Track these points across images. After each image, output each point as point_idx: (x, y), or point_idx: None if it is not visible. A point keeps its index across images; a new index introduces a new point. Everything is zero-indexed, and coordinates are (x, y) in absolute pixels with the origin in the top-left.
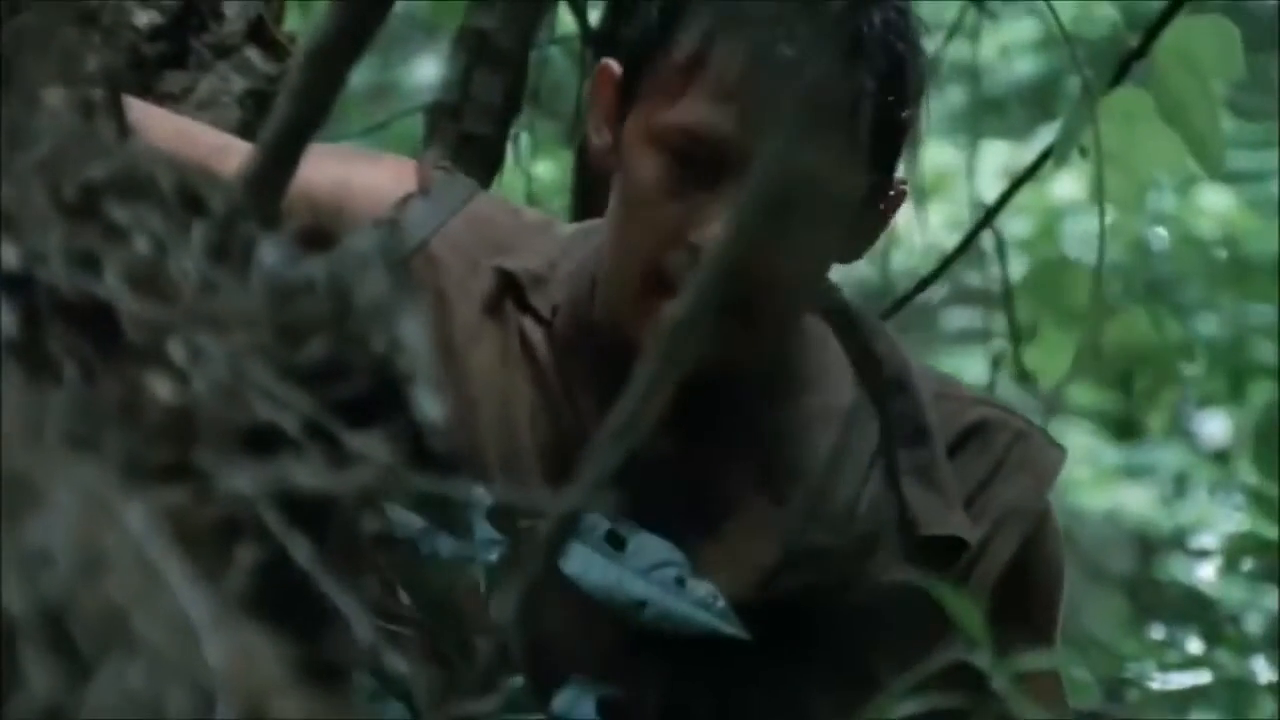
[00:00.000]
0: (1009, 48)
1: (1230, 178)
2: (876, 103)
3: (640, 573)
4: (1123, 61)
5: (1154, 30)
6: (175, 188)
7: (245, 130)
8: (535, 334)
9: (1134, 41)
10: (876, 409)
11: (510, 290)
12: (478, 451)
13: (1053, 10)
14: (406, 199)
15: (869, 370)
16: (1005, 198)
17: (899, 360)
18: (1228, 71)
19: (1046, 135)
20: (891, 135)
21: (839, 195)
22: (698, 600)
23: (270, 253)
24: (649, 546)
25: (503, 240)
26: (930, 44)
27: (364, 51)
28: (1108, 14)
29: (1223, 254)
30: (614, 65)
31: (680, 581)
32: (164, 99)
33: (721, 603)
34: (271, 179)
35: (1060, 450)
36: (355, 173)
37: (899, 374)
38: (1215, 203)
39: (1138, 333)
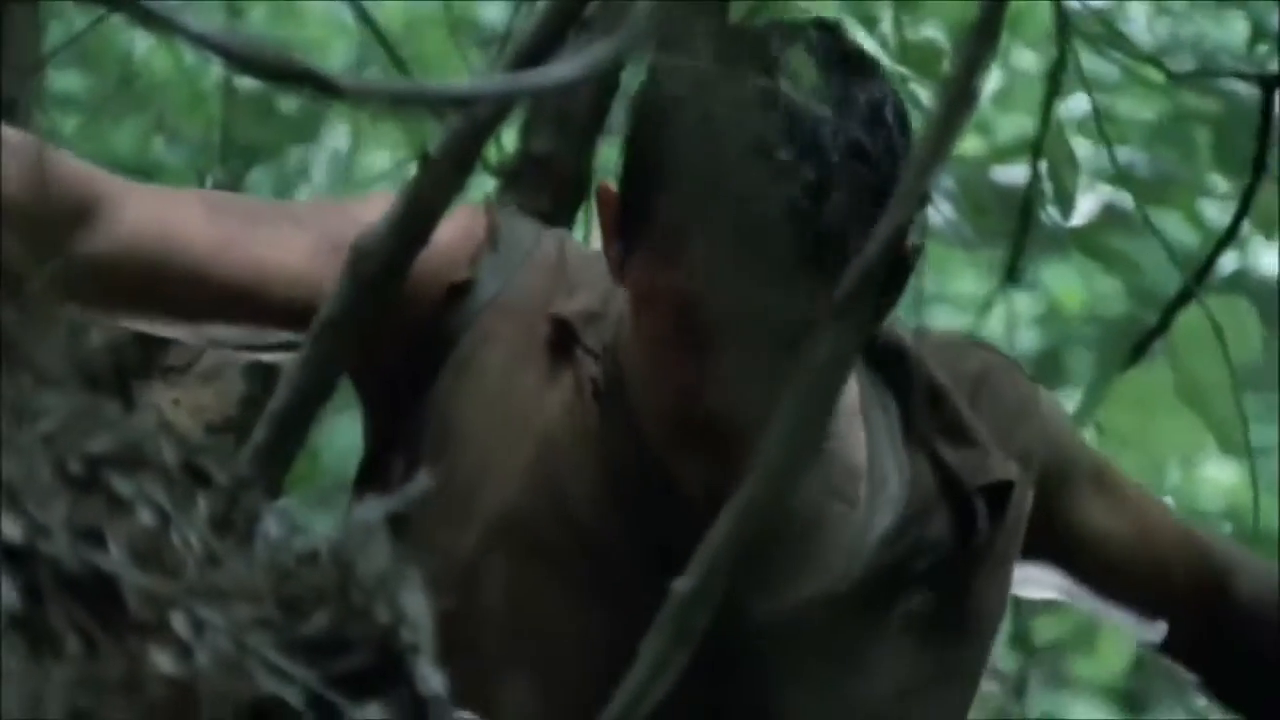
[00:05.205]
0: (1015, 319)
1: (1234, 450)
2: (861, 230)
3: None
4: (1140, 341)
5: (1171, 309)
6: (179, 460)
7: (250, 404)
8: (593, 370)
9: (1150, 320)
10: (890, 385)
11: (568, 333)
12: (560, 505)
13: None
14: (477, 255)
15: (869, 347)
16: None
17: (889, 330)
18: (1245, 352)
19: None
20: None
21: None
22: None
23: (274, 524)
24: None
25: (571, 278)
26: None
27: (371, 326)
28: (1111, 288)
29: (1228, 527)
30: (611, 187)
31: None
32: (168, 371)
33: None
34: (279, 451)
35: (1031, 381)
36: None
37: (894, 342)
38: (1220, 475)
39: None
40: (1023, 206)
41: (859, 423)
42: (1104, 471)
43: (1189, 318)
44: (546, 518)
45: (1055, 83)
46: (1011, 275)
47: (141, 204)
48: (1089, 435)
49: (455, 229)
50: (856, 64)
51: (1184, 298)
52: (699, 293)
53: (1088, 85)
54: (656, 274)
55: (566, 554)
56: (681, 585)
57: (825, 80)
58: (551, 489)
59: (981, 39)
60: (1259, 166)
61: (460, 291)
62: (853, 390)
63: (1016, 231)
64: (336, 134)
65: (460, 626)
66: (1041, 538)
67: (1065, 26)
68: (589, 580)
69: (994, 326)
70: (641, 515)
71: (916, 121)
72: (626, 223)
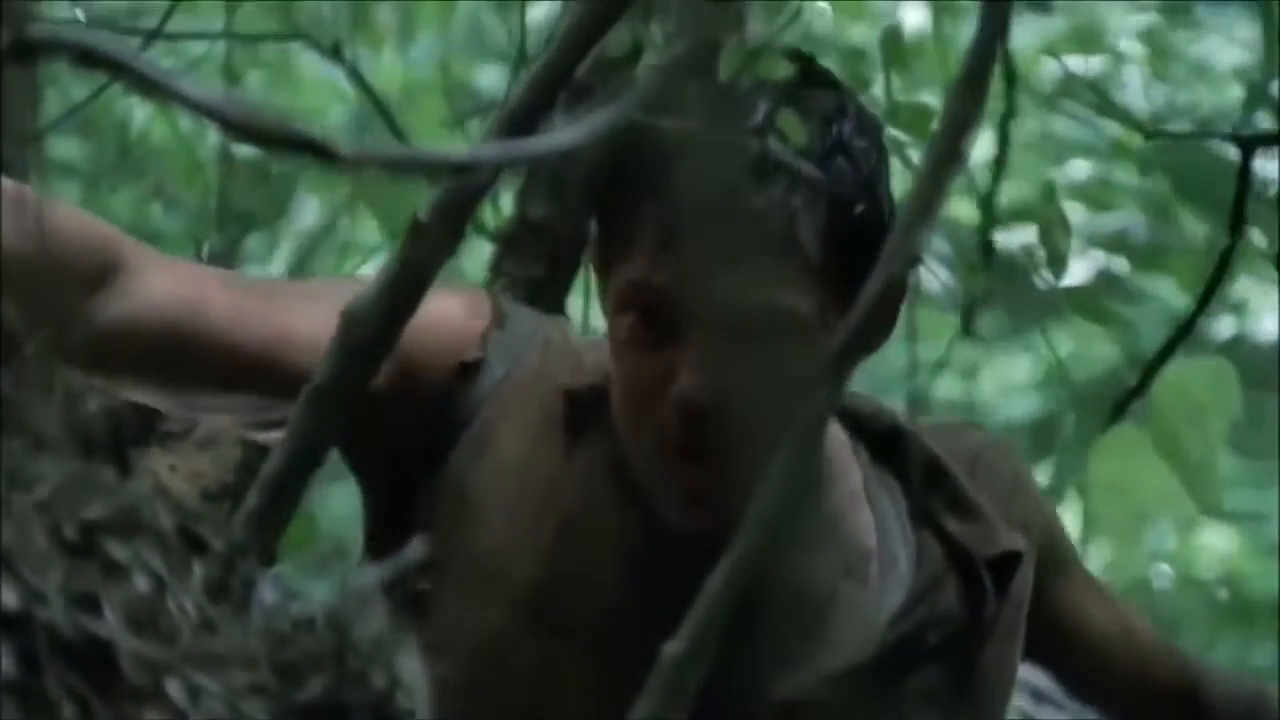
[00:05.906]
0: (1008, 388)
1: (1231, 517)
2: (810, 219)
3: None
4: (1120, 400)
5: (1151, 369)
6: (175, 526)
7: (247, 470)
8: (607, 446)
9: (1133, 380)
10: (893, 467)
11: (580, 409)
12: (584, 580)
13: (1051, 347)
14: (486, 335)
15: (867, 431)
16: None
17: (885, 412)
18: (1225, 412)
19: (1043, 474)
20: (837, 245)
21: (792, 317)
22: None
23: (270, 590)
24: None
25: (576, 358)
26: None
27: (363, 393)
28: (1106, 353)
29: (1224, 594)
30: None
31: None
32: (165, 437)
33: None
34: (272, 517)
35: (1016, 448)
36: (432, 306)
37: (890, 424)
38: (1216, 542)
39: None
40: (980, 246)
41: (865, 505)
42: (1086, 569)
43: (1170, 376)
44: (571, 593)
45: (1004, 138)
46: (966, 328)
47: (162, 271)
48: (1074, 492)
49: (461, 309)
50: (821, 79)
51: (1163, 357)
52: (646, 275)
53: (1057, 149)
54: (616, 275)
55: (591, 628)
56: (672, 648)
57: (783, 90)
58: (575, 564)
59: (968, 95)
60: (1236, 225)
61: (471, 370)
62: (855, 475)
63: (979, 277)
64: (308, 207)
65: (486, 699)
66: (1033, 623)
67: (1014, 81)
68: (613, 653)
69: (987, 393)
70: (663, 588)
71: (908, 181)
72: (600, 251)
